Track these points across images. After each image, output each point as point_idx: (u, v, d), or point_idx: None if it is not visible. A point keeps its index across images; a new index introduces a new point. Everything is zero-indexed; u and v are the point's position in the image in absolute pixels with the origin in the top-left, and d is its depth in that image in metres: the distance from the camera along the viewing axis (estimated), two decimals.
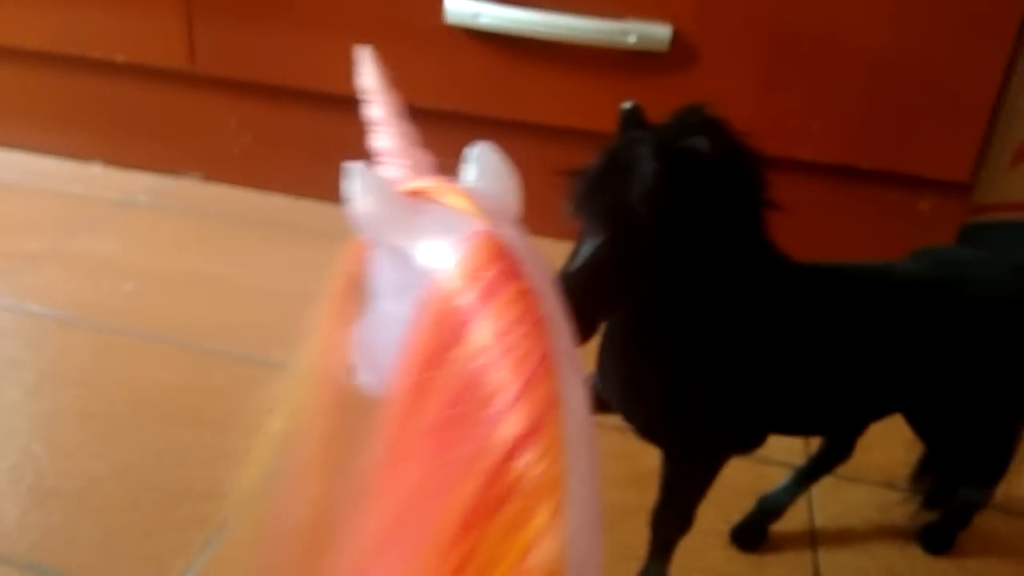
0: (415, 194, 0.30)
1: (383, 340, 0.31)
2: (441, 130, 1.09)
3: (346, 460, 0.33)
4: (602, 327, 0.49)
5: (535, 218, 1.26)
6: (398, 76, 1.16)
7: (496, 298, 0.25)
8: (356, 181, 0.28)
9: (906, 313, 0.51)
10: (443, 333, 0.26)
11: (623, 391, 0.50)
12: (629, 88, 0.99)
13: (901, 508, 0.70)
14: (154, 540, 0.64)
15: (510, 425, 0.24)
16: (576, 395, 0.26)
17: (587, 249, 0.41)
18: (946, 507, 0.68)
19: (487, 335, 0.25)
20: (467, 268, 0.26)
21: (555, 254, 1.06)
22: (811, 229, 1.04)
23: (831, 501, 0.73)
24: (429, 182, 0.30)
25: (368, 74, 0.34)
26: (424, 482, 0.26)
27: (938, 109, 0.93)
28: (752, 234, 0.45)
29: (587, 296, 0.40)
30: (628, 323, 0.47)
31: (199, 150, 1.20)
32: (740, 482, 0.72)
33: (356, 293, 0.32)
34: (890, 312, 0.51)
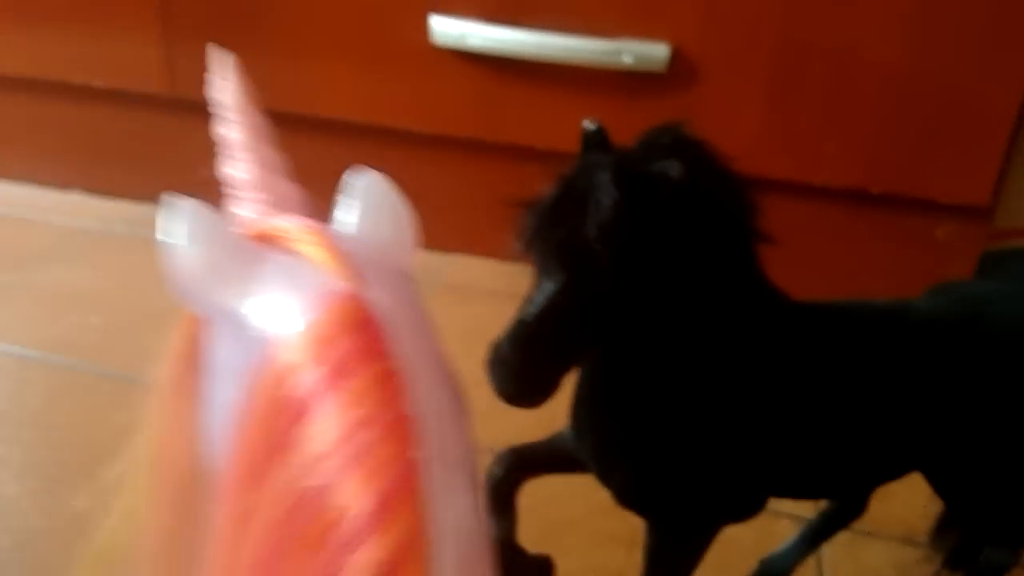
0: (264, 238, 0.24)
1: (222, 435, 0.24)
2: (427, 154, 1.05)
3: (195, 552, 0.27)
4: (575, 375, 0.43)
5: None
6: (384, 99, 1.12)
7: (346, 383, 0.19)
8: (180, 222, 0.22)
9: (923, 358, 0.45)
10: (274, 427, 0.20)
11: (597, 451, 0.43)
12: (624, 110, 0.94)
13: (921, 568, 0.63)
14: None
15: (360, 561, 0.18)
16: (456, 514, 0.20)
17: (540, 294, 0.35)
18: (970, 568, 0.61)
19: (331, 434, 0.19)
20: (313, 337, 0.20)
21: None
22: (821, 257, 0.98)
23: (844, 560, 0.66)
24: (285, 223, 0.23)
25: (226, 86, 0.28)
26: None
27: (956, 130, 0.87)
28: (739, 270, 0.39)
29: (540, 348, 0.34)
30: (598, 375, 0.41)
31: (179, 177, 1.16)
32: (741, 538, 0.65)
33: (196, 372, 0.26)
34: (905, 357, 0.45)
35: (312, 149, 1.05)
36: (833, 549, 0.66)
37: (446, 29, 0.93)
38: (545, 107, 0.96)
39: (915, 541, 0.67)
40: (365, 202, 0.24)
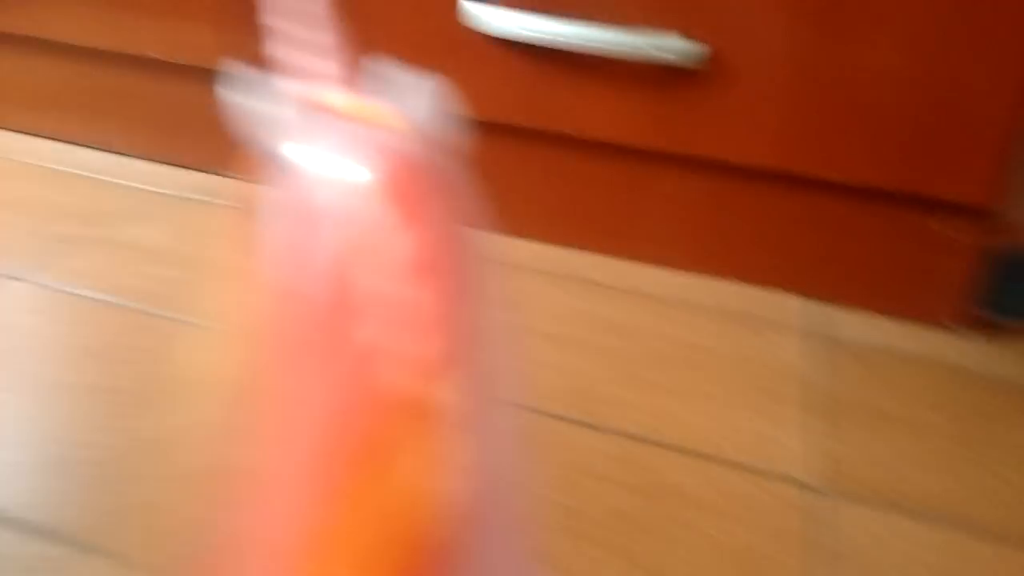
0: (320, 107, 0.27)
1: (281, 270, 0.28)
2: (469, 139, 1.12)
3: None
4: None
5: (559, 226, 1.29)
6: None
7: (415, 216, 0.23)
8: (252, 85, 0.25)
9: None
10: (350, 245, 0.23)
11: None
12: (660, 102, 1.01)
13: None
14: (169, 515, 0.66)
15: (418, 346, 0.22)
16: (494, 326, 0.24)
17: None
18: None
19: (404, 250, 0.22)
20: (383, 184, 0.23)
21: (580, 264, 1.07)
22: (833, 248, 1.04)
23: (846, 527, 0.72)
24: (339, 94, 0.27)
25: None
26: (304, 414, 0.24)
27: (957, 128, 0.92)
28: None
29: None
30: None
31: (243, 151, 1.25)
32: None
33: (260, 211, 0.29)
34: None
35: None
36: (836, 516, 0.72)
37: (487, 17, 1.00)
38: (583, 96, 1.03)
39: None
40: (404, 82, 0.27)
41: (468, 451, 0.22)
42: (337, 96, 0.27)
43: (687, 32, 0.95)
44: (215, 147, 1.25)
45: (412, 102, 0.27)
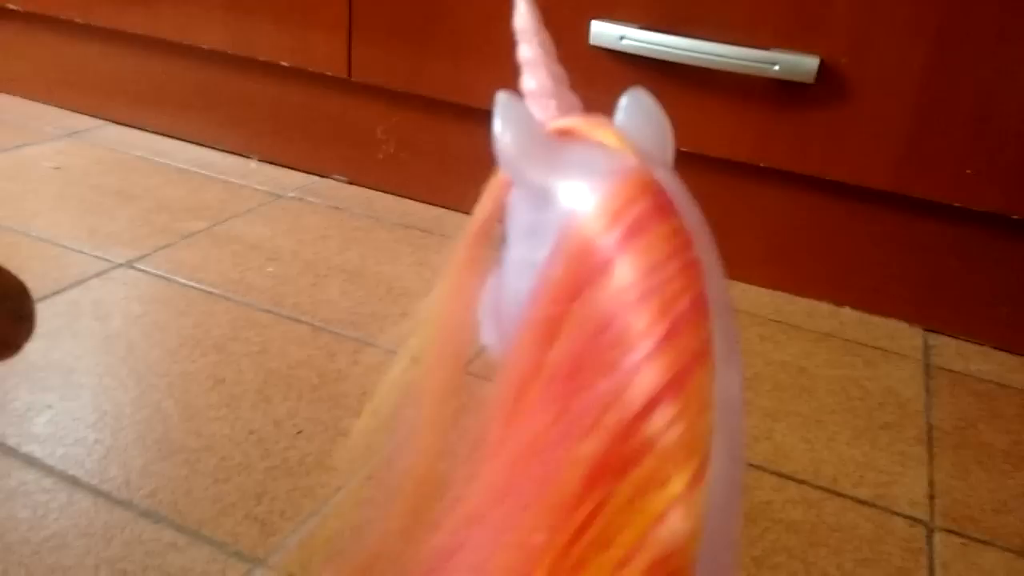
0: (563, 133, 0.28)
1: (511, 292, 0.28)
2: None
3: (460, 414, 0.31)
4: None
5: None
6: None
7: (644, 235, 0.22)
8: (501, 112, 0.27)
9: None
10: (579, 271, 0.23)
11: None
12: (772, 117, 0.98)
13: None
14: (263, 504, 0.66)
15: (648, 375, 0.21)
16: (727, 351, 0.23)
17: None
18: None
19: (630, 273, 0.22)
20: (613, 204, 0.23)
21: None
22: (956, 277, 0.98)
23: (957, 563, 0.68)
24: (578, 120, 0.28)
25: (522, 14, 0.33)
26: (544, 432, 0.23)
27: None
28: None
29: None
30: None
31: (346, 154, 1.27)
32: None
33: (489, 238, 0.30)
34: None
35: (467, 136, 1.13)
36: (948, 551, 0.68)
37: (604, 31, 0.99)
38: (696, 110, 1.00)
39: None
40: (631, 108, 0.29)
41: (710, 481, 0.21)
42: (576, 120, 0.28)
43: (797, 47, 0.92)
44: (313, 148, 1.28)
45: (641, 127, 0.29)
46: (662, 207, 0.23)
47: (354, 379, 0.82)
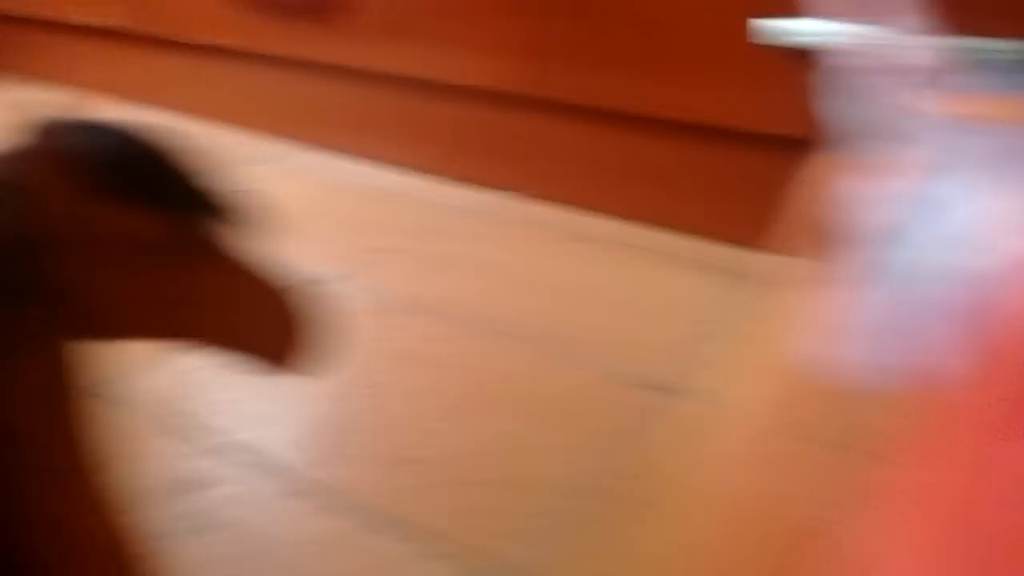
0: (966, 117, 0.26)
1: (906, 303, 0.26)
2: (755, 154, 1.06)
3: (806, 453, 0.28)
4: None
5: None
6: (719, 98, 1.14)
7: None
8: (919, 101, 0.25)
9: None
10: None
11: None
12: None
13: None
14: (496, 519, 0.66)
15: None
16: None
17: None
18: None
19: None
20: None
21: None
22: None
23: None
24: (983, 101, 0.26)
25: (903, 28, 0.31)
26: (975, 491, 0.20)
27: None
28: None
29: None
30: None
31: (537, 171, 1.27)
32: None
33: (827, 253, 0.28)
34: None
35: (658, 149, 1.12)
36: None
37: (772, 27, 0.97)
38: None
39: None
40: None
41: None
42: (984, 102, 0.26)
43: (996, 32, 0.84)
44: (509, 167, 1.28)
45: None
46: None
47: (568, 395, 0.81)
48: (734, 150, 1.08)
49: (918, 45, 0.29)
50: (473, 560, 0.63)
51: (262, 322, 0.44)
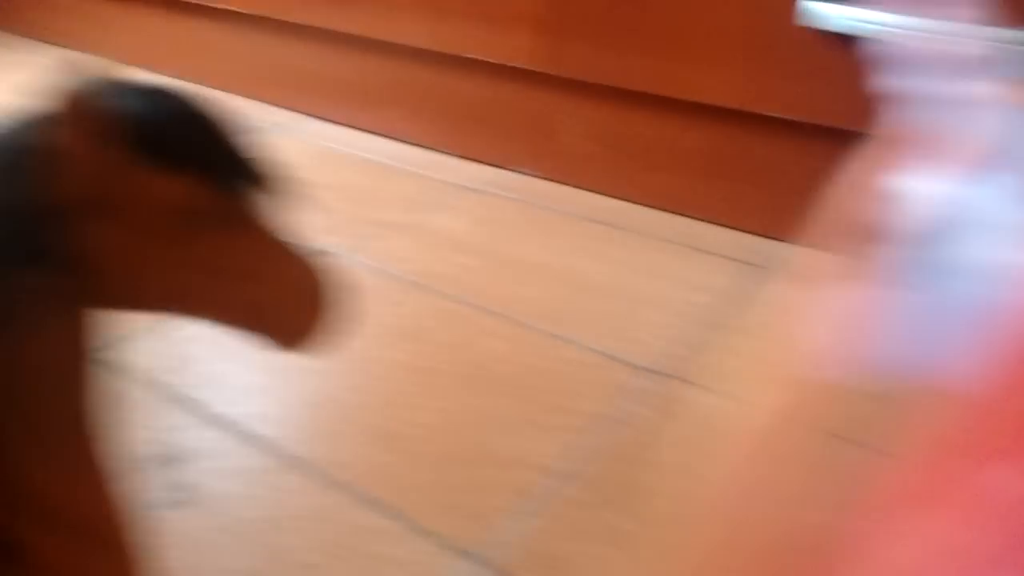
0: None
1: (940, 303, 0.25)
2: (795, 142, 1.03)
3: (819, 464, 0.27)
4: None
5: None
6: (757, 85, 1.10)
7: None
8: (973, 92, 0.24)
9: None
10: None
11: None
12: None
13: None
14: (478, 498, 0.66)
15: None
16: None
17: None
18: None
19: None
20: None
21: None
22: None
23: None
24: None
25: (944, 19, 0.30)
26: (989, 494, 0.20)
27: None
28: None
29: None
30: None
31: (535, 148, 1.25)
32: None
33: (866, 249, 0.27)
34: None
35: (669, 130, 1.10)
36: None
37: (823, 14, 0.94)
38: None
39: None
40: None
41: None
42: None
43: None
44: (513, 144, 1.27)
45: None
46: None
47: (553, 374, 0.81)
48: (766, 137, 1.05)
49: (973, 35, 0.28)
50: (455, 536, 0.62)
51: (288, 300, 0.43)
